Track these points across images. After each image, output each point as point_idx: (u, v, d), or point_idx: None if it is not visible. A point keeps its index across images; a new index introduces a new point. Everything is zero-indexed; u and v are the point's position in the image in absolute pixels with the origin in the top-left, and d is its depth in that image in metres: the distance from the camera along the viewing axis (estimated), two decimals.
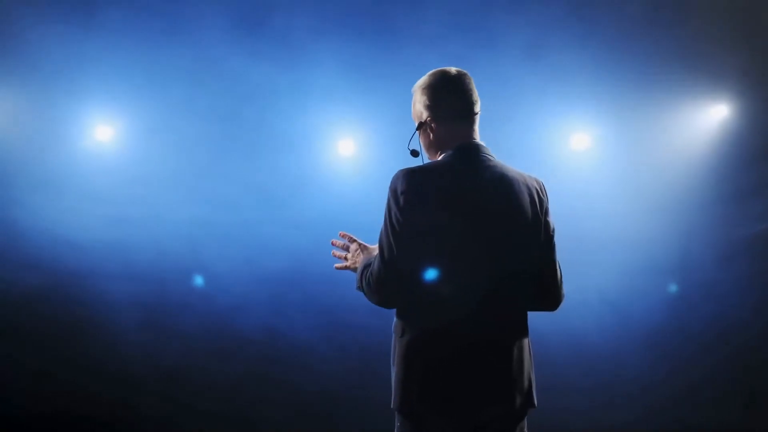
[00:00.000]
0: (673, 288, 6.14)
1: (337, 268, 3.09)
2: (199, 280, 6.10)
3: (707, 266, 6.07)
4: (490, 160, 2.81)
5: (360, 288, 2.84)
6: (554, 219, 2.89)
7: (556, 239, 2.87)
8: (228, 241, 6.06)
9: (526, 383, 2.73)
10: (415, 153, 2.93)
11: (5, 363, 5.99)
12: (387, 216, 2.70)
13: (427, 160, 2.92)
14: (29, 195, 5.86)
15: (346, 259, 3.06)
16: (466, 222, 2.66)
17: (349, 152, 6.13)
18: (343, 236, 3.07)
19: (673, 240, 6.06)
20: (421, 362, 2.65)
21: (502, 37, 5.78)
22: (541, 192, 2.85)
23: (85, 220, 5.90)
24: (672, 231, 6.04)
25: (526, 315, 2.81)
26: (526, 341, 2.78)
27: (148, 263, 6.01)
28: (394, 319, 2.78)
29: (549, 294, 2.85)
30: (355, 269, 2.98)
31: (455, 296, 2.64)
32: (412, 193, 2.66)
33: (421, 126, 2.88)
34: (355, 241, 3.05)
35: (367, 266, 2.81)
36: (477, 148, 2.82)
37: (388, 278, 2.69)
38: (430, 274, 2.64)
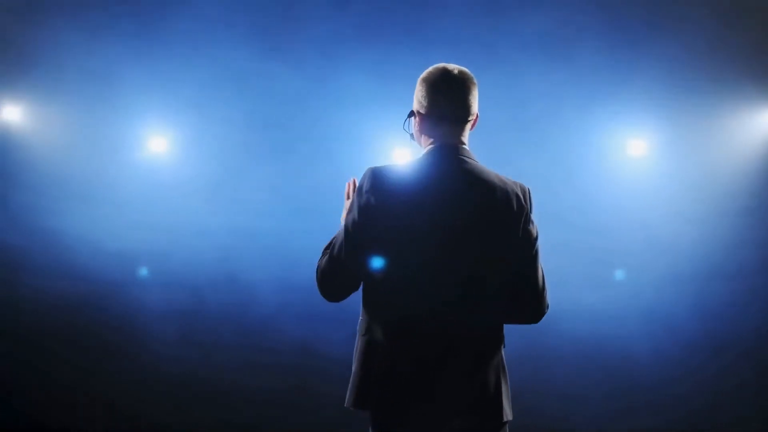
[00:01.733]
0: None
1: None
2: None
3: (760, 272, 5.98)
4: (467, 163, 2.74)
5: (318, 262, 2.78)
6: (548, 225, 2.90)
7: (541, 247, 2.76)
8: (264, 251, 6.02)
9: (492, 393, 2.61)
10: (412, 137, 2.90)
11: (40, 371, 6.04)
12: (348, 213, 2.68)
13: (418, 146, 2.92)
14: (74, 204, 5.91)
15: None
16: (429, 225, 2.60)
17: (390, 160, 6.07)
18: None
19: (728, 245, 5.95)
20: (379, 364, 2.58)
21: (558, 42, 5.79)
22: (523, 199, 2.74)
23: (124, 229, 5.94)
24: (726, 237, 5.94)
25: (497, 324, 2.70)
26: (496, 351, 2.66)
27: (184, 272, 6.02)
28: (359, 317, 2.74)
29: (527, 305, 2.74)
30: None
31: (414, 300, 2.59)
32: (376, 192, 2.60)
33: (412, 115, 2.85)
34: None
35: (327, 247, 2.76)
36: (455, 149, 2.75)
37: (331, 273, 2.66)
38: (388, 276, 2.59)
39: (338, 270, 2.64)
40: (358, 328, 2.69)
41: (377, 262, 2.60)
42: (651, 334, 6.00)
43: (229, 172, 6.00)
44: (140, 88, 5.87)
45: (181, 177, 6.03)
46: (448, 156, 2.72)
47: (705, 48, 5.79)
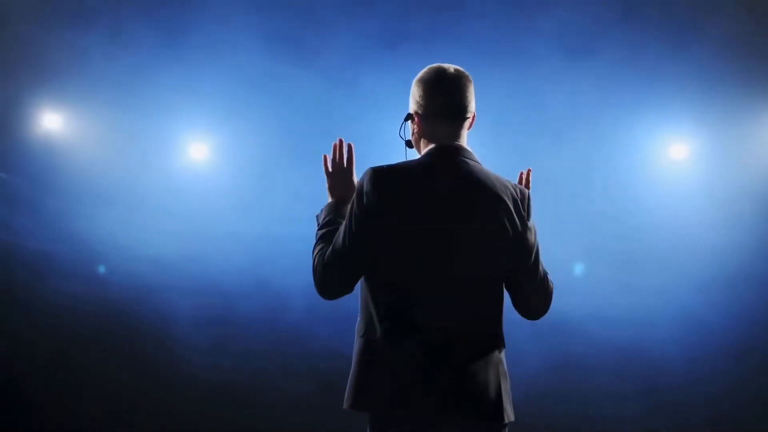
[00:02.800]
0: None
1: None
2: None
3: None
4: (467, 164, 2.72)
5: (313, 254, 2.77)
6: (537, 230, 2.78)
7: (541, 253, 2.78)
8: (296, 258, 5.89)
9: (492, 394, 2.58)
10: (409, 143, 2.89)
11: (71, 377, 6.11)
12: (349, 213, 2.65)
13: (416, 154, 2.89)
14: (109, 210, 6.03)
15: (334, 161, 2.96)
16: (430, 225, 2.60)
17: None
18: (345, 145, 2.98)
19: (764, 249, 5.94)
20: (377, 363, 2.57)
21: (599, 45, 5.80)
22: (522, 203, 2.73)
23: (157, 235, 6.02)
24: (763, 241, 5.93)
25: (498, 323, 2.69)
26: (496, 352, 2.64)
27: (216, 279, 6.08)
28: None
29: (527, 308, 2.81)
30: (328, 179, 2.93)
31: (414, 300, 2.57)
32: (376, 193, 2.60)
33: (409, 118, 2.85)
34: (351, 160, 2.96)
35: (323, 237, 2.76)
36: (456, 150, 2.74)
37: (332, 271, 2.66)
38: (387, 275, 2.60)
39: (338, 270, 2.63)
40: (356, 329, 2.67)
41: (377, 261, 2.59)
42: (683, 338, 5.99)
43: (260, 178, 6.06)
44: (177, 95, 5.94)
45: (213, 184, 6.09)
46: (449, 156, 2.71)
47: (746, 52, 5.78)
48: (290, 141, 6.05)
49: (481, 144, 5.82)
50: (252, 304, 6.11)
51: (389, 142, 5.97)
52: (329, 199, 2.90)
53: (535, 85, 5.79)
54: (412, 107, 2.82)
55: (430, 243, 2.58)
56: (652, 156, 6.05)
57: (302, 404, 6.12)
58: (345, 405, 2.62)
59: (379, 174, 2.63)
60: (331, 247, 2.67)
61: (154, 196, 6.04)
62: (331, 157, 2.96)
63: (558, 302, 6.10)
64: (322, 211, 2.87)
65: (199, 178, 6.12)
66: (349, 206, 2.66)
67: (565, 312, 6.13)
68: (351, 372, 2.63)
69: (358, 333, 2.66)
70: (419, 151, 2.83)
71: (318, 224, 2.84)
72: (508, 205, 2.67)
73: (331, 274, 2.66)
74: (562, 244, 6.04)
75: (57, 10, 5.64)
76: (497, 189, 2.68)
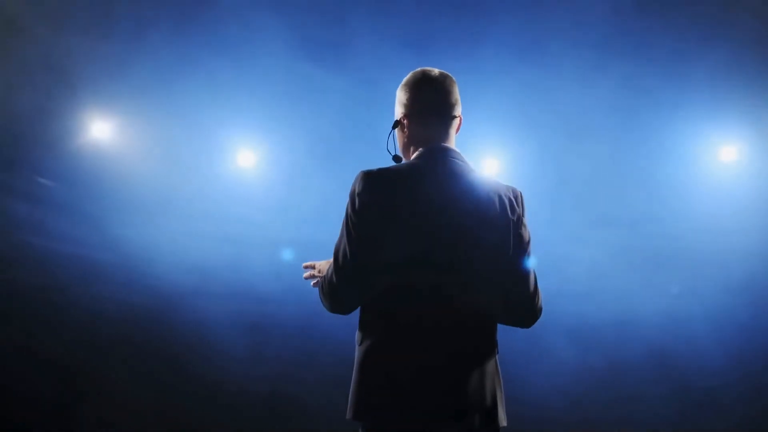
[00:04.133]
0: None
1: (305, 278, 2.98)
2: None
3: None
4: (458, 165, 2.72)
5: (321, 293, 2.76)
6: (530, 228, 2.80)
7: (533, 251, 2.80)
8: None
9: (488, 400, 2.58)
10: (397, 158, 2.85)
11: (109, 382, 6.16)
12: (344, 219, 2.64)
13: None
14: (151, 217, 6.10)
15: (313, 267, 2.95)
16: (424, 228, 2.58)
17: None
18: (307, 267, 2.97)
19: None
20: (376, 371, 2.56)
21: (646, 48, 5.77)
22: (515, 202, 2.74)
23: (198, 240, 6.11)
24: None
25: (493, 328, 2.68)
26: (491, 356, 2.64)
27: (253, 284, 6.11)
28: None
29: (519, 309, 2.74)
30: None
31: (411, 304, 2.56)
32: (368, 195, 2.59)
33: (397, 125, 2.83)
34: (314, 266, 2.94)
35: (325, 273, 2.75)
36: (446, 151, 2.73)
37: (339, 284, 2.61)
38: (385, 281, 2.56)
39: (344, 280, 2.58)
40: (356, 338, 2.66)
41: (376, 267, 2.56)
42: (719, 340, 5.98)
43: (299, 185, 6.08)
44: (218, 102, 5.98)
45: (254, 190, 6.13)
46: (441, 157, 2.70)
47: None
48: (324, 146, 6.08)
49: (523, 145, 5.86)
50: (289, 310, 6.11)
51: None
52: None
53: (575, 85, 5.76)
54: (399, 112, 2.81)
55: (427, 244, 2.56)
56: (700, 158, 5.98)
57: (337, 411, 6.03)
58: (348, 416, 2.59)
59: (371, 175, 2.61)
60: (330, 267, 2.65)
61: (192, 202, 6.11)
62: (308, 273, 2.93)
63: (592, 303, 6.16)
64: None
65: (241, 184, 6.16)
66: (344, 216, 2.64)
67: (599, 314, 6.14)
68: (352, 382, 2.62)
69: (357, 342, 2.65)
70: (405, 156, 2.82)
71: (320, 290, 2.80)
72: (503, 205, 2.67)
73: (338, 286, 2.61)
74: (599, 244, 6.04)
75: (104, 18, 5.71)
76: (490, 190, 2.68)
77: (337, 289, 2.62)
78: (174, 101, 5.91)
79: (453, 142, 2.78)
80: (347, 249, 2.57)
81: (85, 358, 6.14)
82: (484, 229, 2.63)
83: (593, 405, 6.12)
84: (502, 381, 2.67)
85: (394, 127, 2.83)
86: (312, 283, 2.91)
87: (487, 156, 6.06)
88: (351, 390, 2.61)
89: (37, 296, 6.09)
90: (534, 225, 6.14)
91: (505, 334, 6.27)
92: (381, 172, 2.63)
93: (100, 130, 6.04)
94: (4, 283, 6.06)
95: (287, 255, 6.20)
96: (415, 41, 5.89)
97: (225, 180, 6.16)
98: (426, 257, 2.55)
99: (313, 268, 2.89)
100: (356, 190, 2.61)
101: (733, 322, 5.95)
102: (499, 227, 2.65)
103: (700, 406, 6.02)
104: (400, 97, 2.81)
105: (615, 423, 6.01)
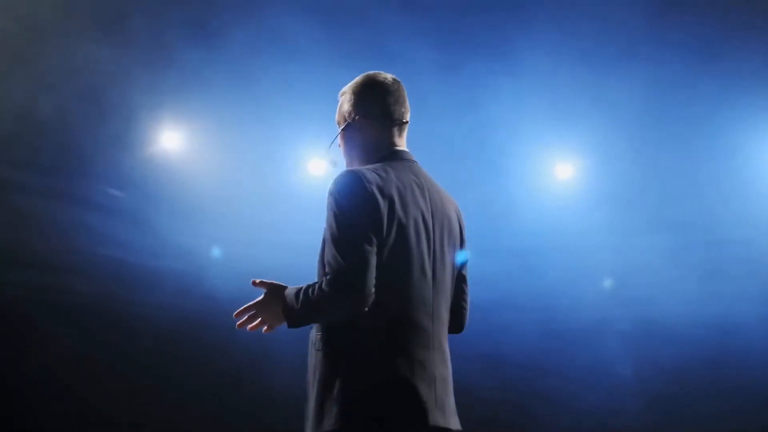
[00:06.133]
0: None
1: (250, 330, 2.70)
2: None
3: None
4: (420, 167, 2.71)
5: (303, 314, 2.50)
6: None
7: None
8: None
9: (454, 403, 2.59)
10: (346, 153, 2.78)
11: (163, 390, 6.12)
12: (330, 227, 2.49)
13: (346, 166, 2.76)
14: (215, 226, 6.12)
15: (252, 318, 2.68)
16: (409, 228, 2.52)
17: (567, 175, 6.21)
18: (258, 284, 2.69)
19: None
20: (366, 377, 2.43)
21: (711, 55, 5.74)
22: (460, 213, 2.77)
23: (257, 248, 6.05)
24: None
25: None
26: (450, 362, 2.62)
27: None
28: (315, 333, 2.56)
29: (458, 318, 2.75)
30: (269, 320, 2.65)
31: (401, 310, 2.49)
32: (355, 194, 2.48)
33: (348, 127, 2.73)
34: (266, 284, 2.67)
35: (302, 290, 2.50)
36: (407, 155, 2.71)
37: (350, 282, 2.40)
38: (372, 283, 2.42)
39: (349, 277, 2.39)
40: (315, 344, 2.54)
41: (365, 268, 2.41)
42: None
43: None
44: (277, 110, 5.95)
45: (313, 197, 5.97)
46: (409, 161, 2.68)
47: None
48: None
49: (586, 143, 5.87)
50: None
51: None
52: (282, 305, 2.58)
53: (635, 87, 5.78)
54: (349, 116, 2.72)
55: (409, 247, 2.51)
56: (759, 162, 5.97)
57: None
58: (331, 426, 2.42)
59: (351, 178, 2.52)
60: (326, 278, 2.46)
61: (261, 211, 6.12)
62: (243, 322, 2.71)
63: (647, 305, 6.17)
64: (293, 304, 2.53)
65: (302, 193, 6.12)
66: (328, 223, 2.50)
67: (656, 316, 6.17)
68: (336, 390, 2.46)
69: (322, 350, 2.52)
70: (352, 163, 2.73)
71: (298, 309, 2.51)
72: (456, 211, 2.73)
73: (350, 282, 2.40)
74: (653, 249, 6.06)
75: (175, 28, 5.71)
76: (446, 194, 2.73)
77: (351, 284, 2.40)
78: (245, 109, 5.92)
79: (405, 146, 2.76)
80: (336, 252, 2.42)
81: (138, 364, 6.19)
82: (453, 235, 2.67)
83: (646, 410, 6.16)
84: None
85: (343, 129, 2.74)
86: (249, 327, 2.68)
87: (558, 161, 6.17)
88: (334, 399, 2.44)
89: (99, 304, 6.16)
90: (593, 229, 6.19)
91: (561, 340, 6.29)
92: (363, 171, 2.54)
93: (170, 139, 6.05)
94: (66, 291, 6.14)
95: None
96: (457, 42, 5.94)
97: (294, 189, 6.15)
98: (412, 259, 2.51)
99: (247, 310, 2.68)
100: (337, 194, 2.50)
101: None
102: (459, 235, 2.71)
103: (757, 411, 6.04)
104: (351, 100, 2.73)
105: (669, 427, 6.08)
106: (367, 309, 2.41)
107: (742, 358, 6.09)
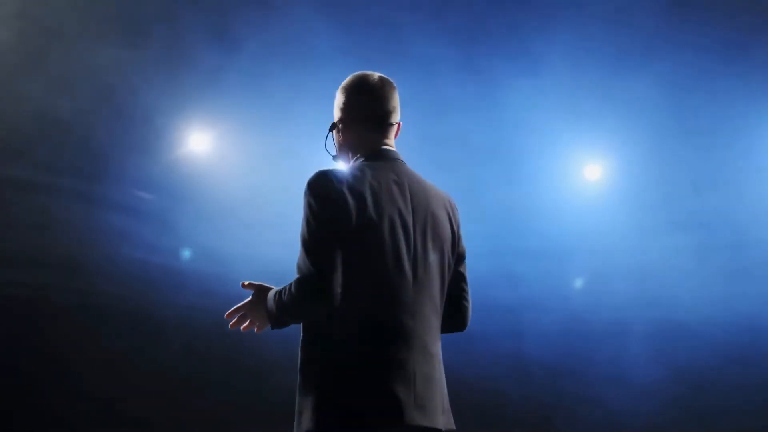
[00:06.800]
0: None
1: (243, 330, 2.79)
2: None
3: None
4: (406, 165, 2.73)
5: (279, 315, 2.58)
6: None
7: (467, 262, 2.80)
8: None
9: (447, 403, 2.58)
10: (338, 159, 2.84)
11: (206, 389, 6.18)
12: (305, 226, 2.54)
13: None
14: (244, 229, 6.19)
15: (242, 319, 2.77)
16: (382, 227, 2.53)
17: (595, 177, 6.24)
18: (247, 286, 2.77)
19: None
20: (334, 382, 2.46)
21: (736, 53, 5.76)
22: (454, 209, 2.75)
23: (286, 251, 6.01)
24: None
25: (439, 331, 2.64)
26: (440, 360, 2.61)
27: None
28: (302, 333, 2.60)
29: (459, 315, 2.76)
30: (256, 320, 2.73)
31: (374, 310, 2.50)
32: (324, 195, 2.52)
33: (333, 128, 2.80)
34: (254, 286, 2.75)
35: (278, 292, 2.58)
36: (394, 154, 2.74)
37: (315, 285, 2.45)
38: (346, 283, 2.46)
39: (316, 279, 2.44)
40: (303, 345, 2.58)
41: (337, 268, 2.46)
42: None
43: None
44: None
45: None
46: (387, 159, 2.69)
47: None
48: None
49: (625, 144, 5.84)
50: None
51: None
52: (265, 307, 2.66)
53: (659, 86, 5.80)
54: (339, 115, 2.78)
55: (384, 246, 2.52)
56: None
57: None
58: (309, 428, 2.45)
59: (325, 175, 2.57)
60: (296, 280, 2.51)
61: (282, 210, 5.89)
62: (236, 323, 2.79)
63: (672, 307, 6.16)
64: (272, 306, 2.61)
65: None
66: (302, 223, 2.56)
67: (681, 317, 6.15)
68: (315, 393, 2.50)
69: (307, 350, 2.57)
70: (347, 162, 2.77)
71: (275, 311, 2.60)
72: (447, 208, 2.71)
73: (317, 287, 2.45)
74: (679, 249, 6.02)
75: (195, 32, 5.77)
76: (439, 195, 2.71)
77: (317, 289, 2.45)
78: (268, 111, 5.96)
79: (394, 147, 2.77)
80: (310, 252, 2.49)
81: (173, 365, 6.23)
82: (440, 233, 2.65)
83: (671, 411, 6.15)
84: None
85: (330, 129, 2.82)
86: (242, 328, 2.77)
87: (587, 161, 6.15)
88: (311, 400, 2.48)
89: (125, 305, 6.22)
90: (620, 229, 6.18)
91: (585, 340, 6.29)
92: (337, 172, 2.60)
93: (194, 141, 6.11)
94: (91, 292, 6.19)
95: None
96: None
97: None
98: (387, 257, 2.52)
99: (237, 311, 2.76)
100: (309, 194, 2.55)
101: None
102: (448, 233, 2.68)
103: None
104: (338, 100, 2.79)
105: (694, 429, 6.09)
106: (337, 309, 2.45)
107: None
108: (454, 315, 2.74)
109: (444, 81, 5.96)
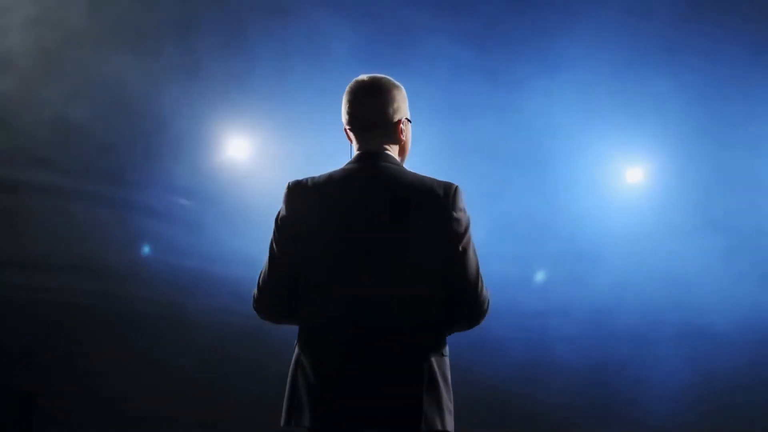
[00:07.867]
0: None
1: None
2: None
3: None
4: (387, 168, 2.71)
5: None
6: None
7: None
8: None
9: (414, 402, 2.50)
10: None
11: (241, 393, 6.22)
12: (273, 234, 2.70)
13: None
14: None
15: None
16: (345, 232, 2.61)
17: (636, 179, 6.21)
18: None
19: None
20: (303, 378, 2.59)
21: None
22: (447, 197, 2.66)
23: None
24: None
25: (427, 329, 2.59)
26: (426, 358, 2.55)
27: None
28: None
29: (460, 310, 2.66)
30: None
31: (330, 308, 2.58)
32: (288, 207, 2.66)
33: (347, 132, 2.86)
34: None
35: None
36: (376, 155, 2.74)
37: (265, 292, 2.70)
38: (307, 285, 2.62)
39: (269, 290, 2.67)
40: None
41: (300, 273, 2.61)
42: None
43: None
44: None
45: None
46: (367, 161, 2.71)
47: None
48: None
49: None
50: None
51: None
52: None
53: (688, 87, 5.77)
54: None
55: (345, 246, 2.59)
56: None
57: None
58: (282, 423, 2.61)
59: (297, 184, 2.70)
60: (262, 273, 2.72)
61: None
62: None
63: (701, 311, 6.11)
64: None
65: None
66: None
67: (709, 320, 6.09)
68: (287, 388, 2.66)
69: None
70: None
71: None
72: (427, 202, 2.62)
73: (264, 294, 2.70)
74: (708, 251, 5.96)
75: (212, 35, 5.85)
76: (414, 188, 2.65)
77: (263, 296, 2.72)
78: (297, 117, 6.01)
79: (391, 144, 2.78)
80: (270, 257, 2.69)
81: (205, 369, 6.27)
82: (410, 227, 2.61)
83: (700, 416, 6.08)
84: (442, 382, 2.58)
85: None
86: None
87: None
88: (285, 396, 2.65)
89: (161, 311, 6.30)
90: (650, 229, 6.12)
91: (608, 341, 6.26)
92: (304, 180, 2.73)
93: (238, 152, 6.21)
94: (124, 297, 6.28)
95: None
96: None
97: None
98: (347, 258, 2.59)
99: None
100: (283, 199, 2.72)
101: None
102: (430, 227, 2.62)
103: None
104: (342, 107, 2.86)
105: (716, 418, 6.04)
106: (293, 316, 2.68)
107: None
108: (455, 313, 2.67)
109: (464, 82, 5.98)
